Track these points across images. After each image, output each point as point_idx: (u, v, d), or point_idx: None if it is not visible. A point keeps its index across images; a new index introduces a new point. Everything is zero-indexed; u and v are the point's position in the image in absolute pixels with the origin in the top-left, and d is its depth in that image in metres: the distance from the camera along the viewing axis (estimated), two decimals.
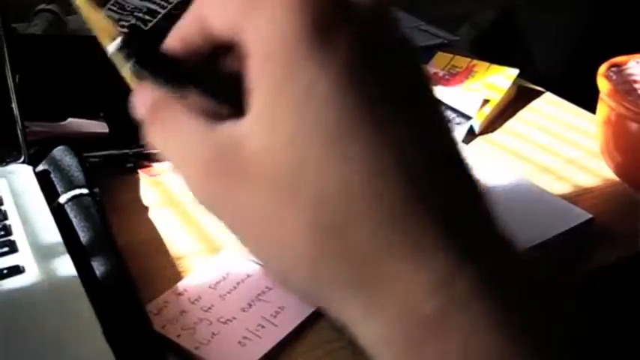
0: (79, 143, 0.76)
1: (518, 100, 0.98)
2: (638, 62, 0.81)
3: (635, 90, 0.82)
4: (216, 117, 0.27)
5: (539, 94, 1.01)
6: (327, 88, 0.24)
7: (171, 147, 0.28)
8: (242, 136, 0.25)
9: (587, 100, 0.89)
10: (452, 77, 0.98)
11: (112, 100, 0.83)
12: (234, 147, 0.25)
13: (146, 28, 1.10)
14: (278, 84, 0.24)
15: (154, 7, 1.13)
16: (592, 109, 0.84)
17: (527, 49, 1.71)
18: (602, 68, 0.77)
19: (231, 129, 0.26)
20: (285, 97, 0.24)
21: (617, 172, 0.78)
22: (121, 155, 0.77)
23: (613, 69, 0.79)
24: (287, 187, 0.24)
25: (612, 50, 1.14)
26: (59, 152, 0.73)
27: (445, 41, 1.18)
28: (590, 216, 0.67)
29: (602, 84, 0.75)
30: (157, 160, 0.78)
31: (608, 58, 0.82)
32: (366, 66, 0.24)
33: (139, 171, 0.76)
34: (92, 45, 0.92)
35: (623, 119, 0.73)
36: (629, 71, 0.81)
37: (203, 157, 0.26)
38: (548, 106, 0.98)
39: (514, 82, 0.97)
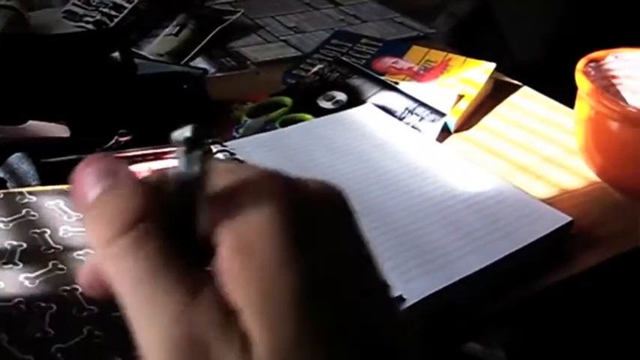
0: (38, 148, 0.73)
1: (494, 94, 0.96)
2: (616, 57, 0.78)
3: (614, 85, 0.80)
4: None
5: (516, 88, 0.98)
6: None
7: (139, 293, 0.23)
8: (248, 341, 0.23)
9: (565, 92, 0.86)
10: (426, 72, 0.95)
11: (74, 102, 0.80)
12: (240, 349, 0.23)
13: (112, 24, 1.06)
14: (265, 283, 0.23)
15: (120, 1, 1.10)
16: (570, 100, 0.82)
17: (505, 39, 1.69)
18: (581, 64, 0.75)
19: (235, 325, 0.23)
20: (274, 304, 0.23)
21: (597, 172, 0.76)
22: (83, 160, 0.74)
23: (591, 64, 0.76)
24: None
25: (590, 41, 1.11)
26: (16, 159, 0.70)
27: (421, 34, 1.16)
28: (570, 219, 0.65)
29: (581, 81, 0.73)
30: None
31: (586, 49, 0.80)
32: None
33: None
34: (54, 44, 0.89)
35: (602, 118, 0.71)
36: (607, 66, 0.78)
37: (184, 331, 0.23)
38: (526, 100, 0.95)
39: (490, 77, 0.94)
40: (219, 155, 0.71)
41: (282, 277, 0.23)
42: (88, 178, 0.26)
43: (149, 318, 0.23)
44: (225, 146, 0.73)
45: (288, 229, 0.24)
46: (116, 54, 0.85)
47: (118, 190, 0.25)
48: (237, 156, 0.71)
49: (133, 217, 0.24)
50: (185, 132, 0.24)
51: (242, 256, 0.23)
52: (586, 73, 0.74)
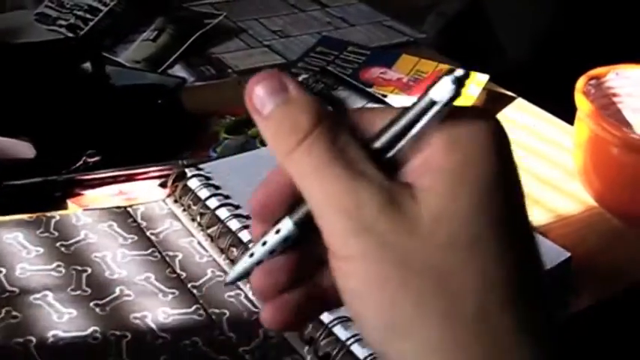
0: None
1: (487, 106, 0.91)
2: (617, 74, 0.74)
3: (615, 104, 0.75)
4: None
5: (510, 99, 0.94)
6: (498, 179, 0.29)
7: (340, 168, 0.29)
8: (418, 197, 0.28)
9: (557, 92, 0.82)
10: (416, 83, 0.91)
11: (40, 118, 0.75)
12: (408, 202, 0.28)
13: (86, 28, 1.01)
14: (467, 167, 0.29)
15: (95, 4, 1.04)
16: (562, 101, 0.78)
17: (496, 37, 1.64)
18: (581, 83, 0.70)
19: (403, 189, 0.29)
20: (467, 180, 0.29)
21: (597, 198, 0.72)
22: (49, 182, 0.69)
23: (592, 82, 0.72)
24: (466, 249, 0.28)
25: (581, 37, 1.06)
26: None
27: (411, 39, 1.11)
28: (568, 255, 0.60)
29: (581, 102, 0.68)
30: (90, 187, 0.70)
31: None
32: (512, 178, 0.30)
33: (69, 201, 0.68)
34: (19, 54, 0.84)
35: (602, 142, 0.66)
36: (608, 84, 0.74)
37: (373, 199, 0.29)
38: (521, 114, 0.91)
39: (484, 88, 0.90)
40: (194, 180, 0.66)
41: (478, 173, 0.29)
42: (261, 94, 0.31)
43: (325, 195, 0.29)
44: (200, 169, 0.68)
45: (494, 143, 0.29)
46: (87, 64, 0.80)
47: (290, 106, 0.30)
48: (214, 181, 0.66)
49: (306, 128, 0.29)
50: (458, 72, 0.28)
51: (450, 149, 0.29)
52: (586, 93, 0.69)
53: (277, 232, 0.32)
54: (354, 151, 0.30)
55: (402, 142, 0.29)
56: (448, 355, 0.28)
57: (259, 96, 0.30)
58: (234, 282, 0.34)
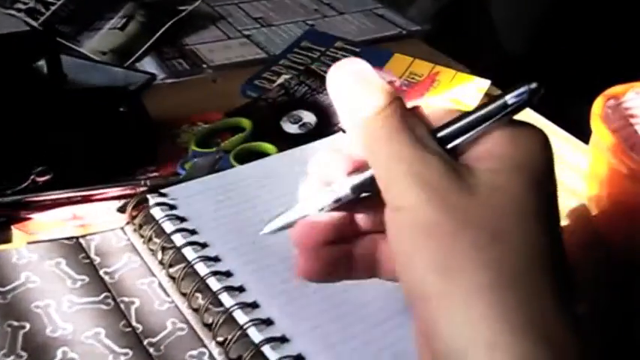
0: None
1: None
2: (638, 93, 0.66)
3: (631, 125, 0.67)
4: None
5: None
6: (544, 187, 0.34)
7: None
8: (477, 174, 0.33)
9: (560, 100, 0.75)
10: (410, 88, 0.82)
11: None
12: (468, 174, 0.33)
13: (48, 13, 0.91)
14: (523, 157, 0.33)
15: None
16: (566, 109, 0.73)
17: (493, 29, 1.57)
18: (599, 105, 0.62)
19: (461, 166, 0.33)
20: (522, 168, 0.33)
21: (610, 232, 0.64)
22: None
23: (610, 103, 0.64)
24: (517, 218, 0.32)
25: (579, 36, 0.99)
26: None
27: (403, 32, 1.02)
28: None
29: (601, 131, 0.60)
30: (39, 210, 0.62)
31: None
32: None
33: (13, 227, 0.60)
34: None
35: (623, 178, 0.58)
36: (626, 104, 0.66)
37: (441, 167, 0.32)
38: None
39: (485, 94, 0.82)
40: (157, 210, 0.58)
41: (530, 166, 0.33)
42: (342, 77, 0.35)
43: (392, 156, 0.33)
44: (164, 195, 0.59)
45: (544, 149, 0.34)
46: (42, 62, 0.71)
47: (369, 85, 0.35)
48: (178, 211, 0.58)
49: (382, 103, 0.34)
50: (532, 84, 0.33)
51: (510, 143, 0.33)
52: (605, 119, 0.61)
53: (331, 192, 0.36)
54: (421, 130, 0.34)
55: (470, 133, 0.33)
56: (496, 295, 0.30)
57: (340, 78, 0.35)
58: (275, 232, 0.37)
